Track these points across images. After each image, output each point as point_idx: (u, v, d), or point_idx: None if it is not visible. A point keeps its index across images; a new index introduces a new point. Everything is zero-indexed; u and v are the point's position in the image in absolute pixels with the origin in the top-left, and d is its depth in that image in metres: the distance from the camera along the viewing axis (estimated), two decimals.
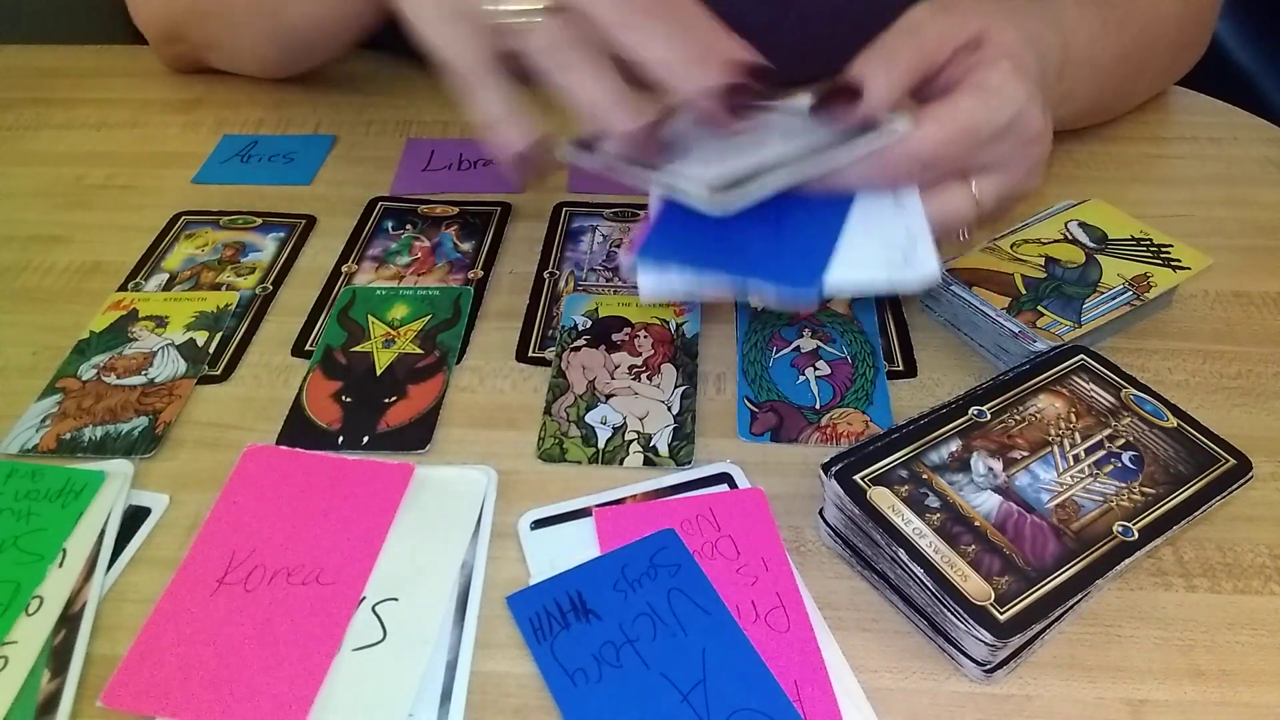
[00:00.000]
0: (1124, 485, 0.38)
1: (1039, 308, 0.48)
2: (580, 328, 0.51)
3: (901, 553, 0.36)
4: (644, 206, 0.58)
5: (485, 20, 0.42)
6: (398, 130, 0.68)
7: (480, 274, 0.55)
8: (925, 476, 0.38)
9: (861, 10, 0.63)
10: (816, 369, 0.48)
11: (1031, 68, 0.43)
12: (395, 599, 0.38)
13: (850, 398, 0.47)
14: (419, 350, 0.50)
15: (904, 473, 0.39)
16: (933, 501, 0.37)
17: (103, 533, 0.40)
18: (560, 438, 0.45)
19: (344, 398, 0.47)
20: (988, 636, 0.33)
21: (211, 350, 0.50)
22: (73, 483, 0.42)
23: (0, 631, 0.37)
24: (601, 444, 0.45)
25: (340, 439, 0.45)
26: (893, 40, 0.43)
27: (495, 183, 0.63)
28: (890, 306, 0.52)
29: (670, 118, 0.44)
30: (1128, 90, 0.64)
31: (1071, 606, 0.35)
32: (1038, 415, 0.41)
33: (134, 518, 0.42)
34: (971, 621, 0.34)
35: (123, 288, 0.54)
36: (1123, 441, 0.40)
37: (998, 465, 0.39)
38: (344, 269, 0.56)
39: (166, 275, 0.55)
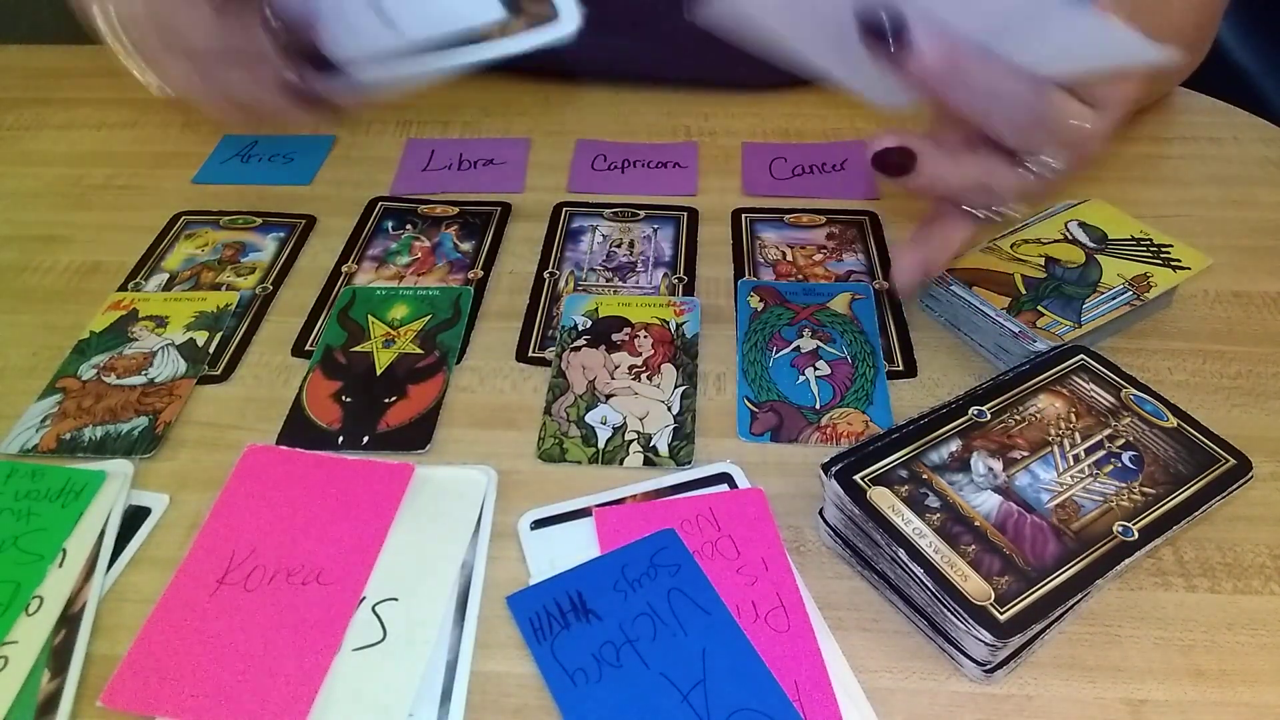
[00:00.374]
0: (1124, 485, 0.38)
1: (1039, 308, 0.48)
2: (580, 328, 0.51)
3: (901, 553, 0.36)
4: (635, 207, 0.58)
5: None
6: (398, 130, 0.68)
7: (480, 274, 0.55)
8: (925, 476, 0.38)
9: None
10: (816, 369, 0.48)
11: None
12: (395, 599, 0.38)
13: (850, 398, 0.47)
14: (419, 350, 0.50)
15: (904, 473, 0.39)
16: (933, 501, 0.37)
17: (103, 533, 0.40)
18: (560, 438, 0.45)
19: (344, 398, 0.47)
20: (988, 636, 0.33)
21: (211, 350, 0.50)
22: (73, 483, 0.42)
23: (0, 631, 0.37)
24: (601, 444, 0.45)
25: (340, 439, 0.45)
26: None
27: (495, 183, 0.63)
28: (890, 306, 0.52)
29: None
30: (1148, 90, 0.64)
31: (1071, 606, 0.35)
32: (1038, 415, 0.41)
33: (134, 518, 0.42)
34: (971, 621, 0.34)
35: (123, 288, 0.54)
36: (1123, 441, 0.40)
37: (998, 465, 0.39)
38: (344, 269, 0.56)
39: (166, 275, 0.55)
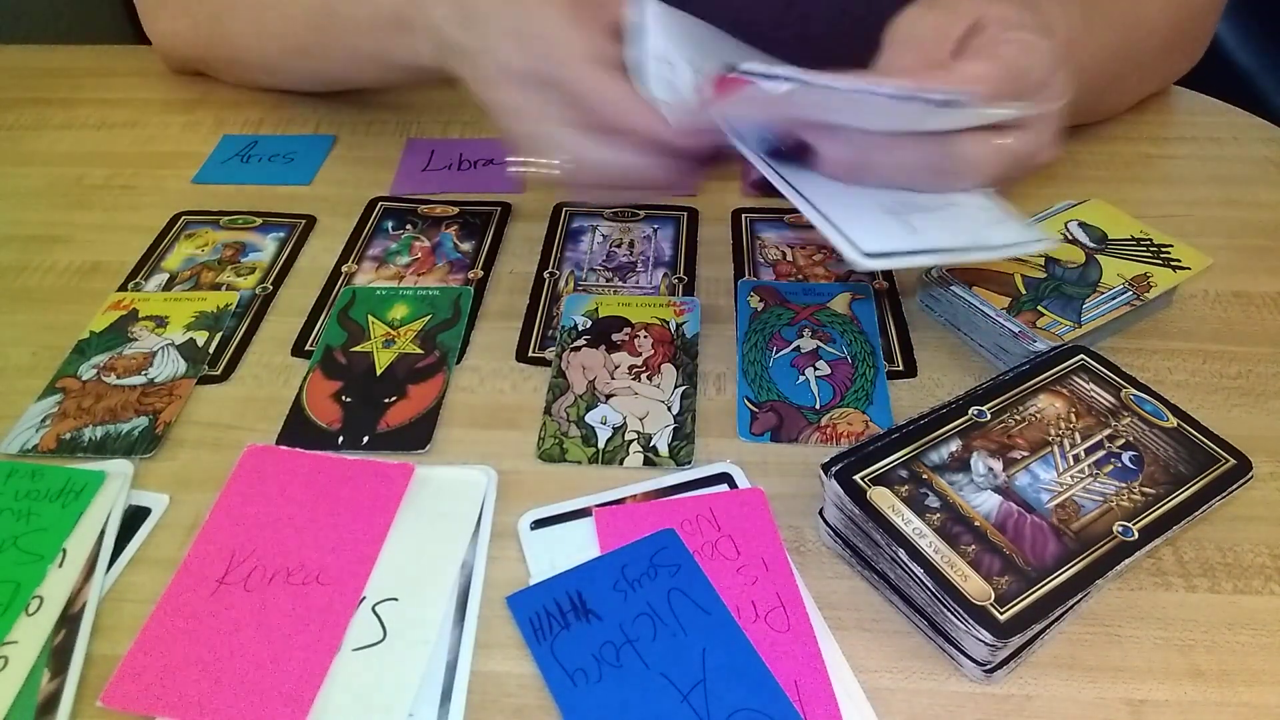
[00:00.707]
0: (1124, 485, 0.38)
1: (1039, 308, 0.48)
2: (580, 328, 0.51)
3: (901, 553, 0.36)
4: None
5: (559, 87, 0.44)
6: (398, 130, 0.68)
7: (480, 274, 0.55)
8: (925, 476, 0.38)
9: (864, 9, 0.63)
10: (816, 369, 0.48)
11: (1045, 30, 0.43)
12: (395, 599, 0.38)
13: (850, 398, 0.47)
14: (419, 350, 0.50)
15: (904, 473, 0.39)
16: (933, 501, 0.37)
17: (103, 533, 0.40)
18: (560, 438, 0.45)
19: (344, 398, 0.47)
20: (988, 636, 0.33)
21: (211, 350, 0.50)
22: (73, 483, 0.42)
23: (0, 631, 0.37)
24: (601, 444, 0.45)
25: (340, 439, 0.45)
26: (891, 56, 0.43)
27: (495, 183, 0.63)
28: (890, 306, 0.52)
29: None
30: (1116, 89, 0.63)
31: (1071, 606, 0.35)
32: (1038, 415, 0.41)
33: (134, 518, 0.42)
34: (971, 621, 0.34)
35: (123, 288, 0.54)
36: (1123, 441, 0.40)
37: (998, 465, 0.39)
38: (344, 269, 0.56)
39: (166, 275, 0.55)
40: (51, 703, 0.35)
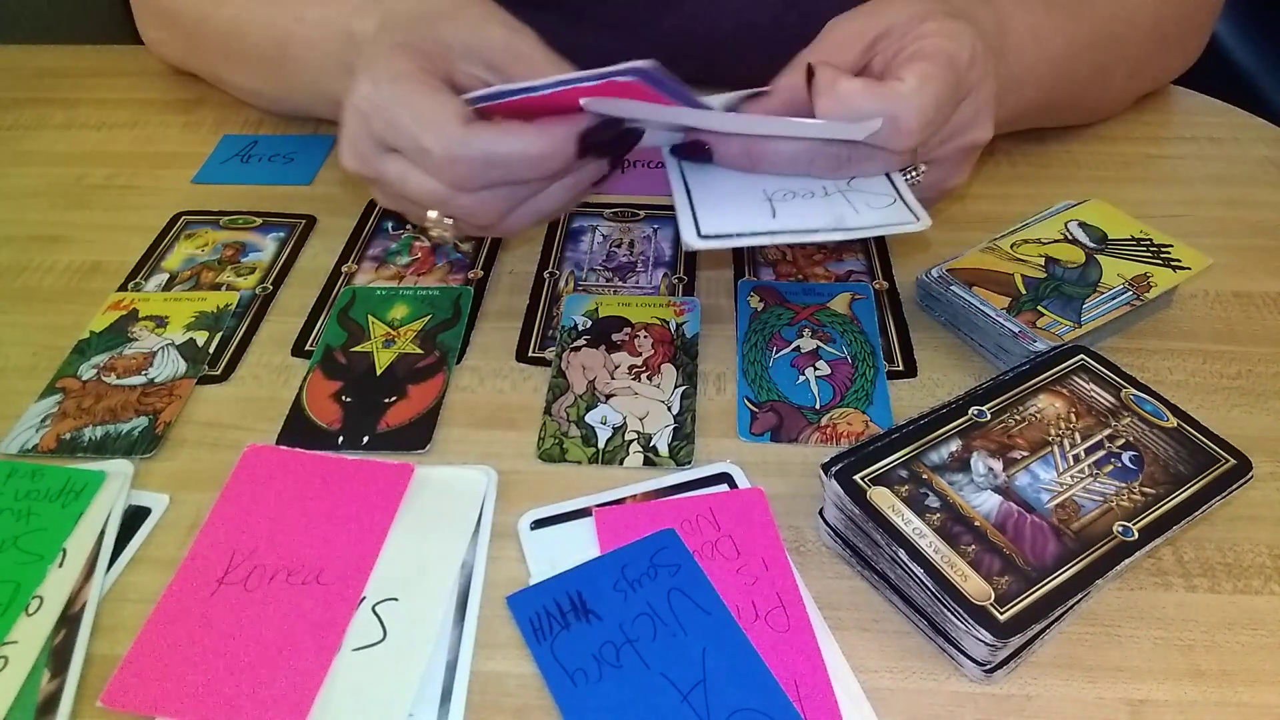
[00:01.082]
0: (1124, 485, 0.38)
1: (1039, 308, 0.48)
2: (580, 328, 0.51)
3: (901, 553, 0.36)
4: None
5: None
6: None
7: (480, 274, 0.55)
8: (925, 476, 0.38)
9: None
10: (816, 369, 0.48)
11: (965, 42, 0.43)
12: (395, 599, 0.38)
13: (850, 398, 0.47)
14: (419, 350, 0.50)
15: (904, 473, 0.39)
16: (933, 501, 0.37)
17: (103, 533, 0.40)
18: (560, 438, 0.45)
19: (344, 398, 0.47)
20: (988, 636, 0.33)
21: (211, 350, 0.50)
22: (73, 483, 0.42)
23: (0, 631, 0.37)
24: (601, 444, 0.45)
25: (340, 439, 0.45)
26: (803, 54, 0.46)
27: None
28: (890, 306, 0.52)
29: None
30: (1101, 83, 0.63)
31: (1071, 606, 0.35)
32: (1038, 415, 0.41)
33: (134, 518, 0.42)
34: (971, 621, 0.34)
35: (123, 288, 0.54)
36: (1123, 441, 0.40)
37: (998, 465, 0.39)
38: (344, 269, 0.56)
39: (166, 275, 0.55)
40: (51, 703, 0.35)
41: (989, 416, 0.41)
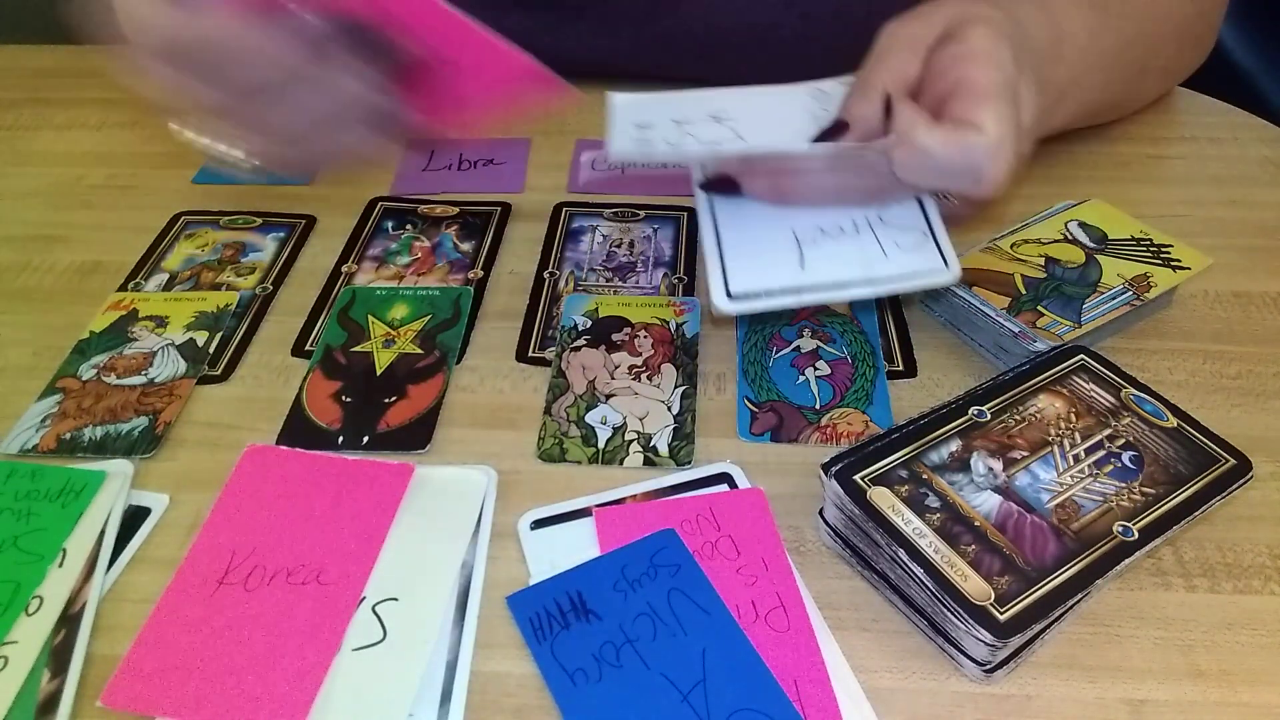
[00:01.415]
0: (1124, 485, 0.38)
1: (1039, 308, 0.48)
2: (580, 328, 0.51)
3: (901, 553, 0.36)
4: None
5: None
6: None
7: (480, 274, 0.55)
8: (925, 476, 0.38)
9: (863, 8, 0.63)
10: (816, 369, 0.48)
11: (1006, 64, 0.43)
12: (395, 599, 0.38)
13: (850, 398, 0.47)
14: (419, 350, 0.50)
15: (904, 473, 0.39)
16: (933, 501, 0.37)
17: (103, 533, 0.40)
18: (560, 438, 0.45)
19: (344, 398, 0.47)
20: (988, 636, 0.33)
21: (211, 350, 0.50)
22: (73, 483, 0.42)
23: (0, 631, 0.37)
24: (601, 444, 0.45)
25: (340, 439, 0.45)
26: (867, 71, 0.45)
27: (495, 183, 0.63)
28: (890, 306, 0.52)
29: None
30: (1135, 86, 0.63)
31: (1071, 606, 0.35)
32: (1038, 415, 0.41)
33: (134, 518, 0.42)
34: (971, 621, 0.34)
35: (123, 288, 0.54)
36: (1123, 441, 0.40)
37: (998, 465, 0.39)
38: (344, 269, 0.56)
39: (166, 275, 0.55)
40: (51, 703, 0.35)
41: (989, 416, 0.41)
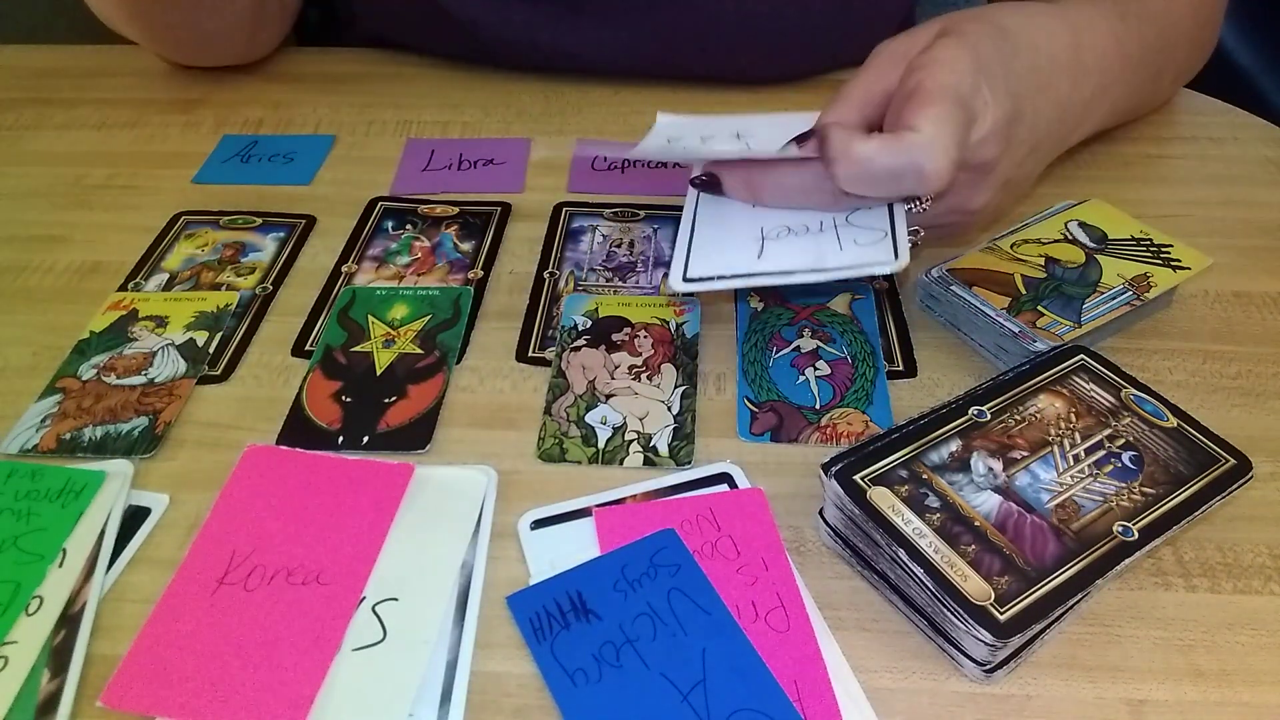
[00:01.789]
0: (1124, 485, 0.38)
1: (1039, 308, 0.48)
2: (580, 328, 0.51)
3: (901, 553, 0.36)
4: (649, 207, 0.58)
5: None
6: (398, 130, 0.68)
7: (480, 274, 0.55)
8: (925, 476, 0.38)
9: (864, 3, 0.63)
10: (816, 369, 0.48)
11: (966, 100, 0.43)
12: (395, 599, 0.38)
13: (850, 398, 0.47)
14: (419, 350, 0.50)
15: (904, 473, 0.39)
16: (933, 501, 0.37)
17: (103, 533, 0.40)
18: (560, 438, 0.45)
19: (344, 398, 0.47)
20: (988, 636, 0.33)
21: (211, 350, 0.50)
22: (73, 483, 0.42)
23: (0, 631, 0.37)
24: (601, 444, 0.45)
25: (340, 439, 0.45)
26: (851, 83, 0.47)
27: (495, 183, 0.63)
28: (890, 306, 0.52)
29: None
30: (1153, 90, 0.63)
31: (1071, 606, 0.35)
32: (1038, 415, 0.41)
33: (134, 518, 0.42)
34: (971, 621, 0.34)
35: (123, 288, 0.54)
36: (1123, 441, 0.40)
37: (998, 465, 0.39)
38: (344, 269, 0.56)
39: (166, 275, 0.55)
40: (51, 703, 0.35)
41: (989, 416, 0.41)
